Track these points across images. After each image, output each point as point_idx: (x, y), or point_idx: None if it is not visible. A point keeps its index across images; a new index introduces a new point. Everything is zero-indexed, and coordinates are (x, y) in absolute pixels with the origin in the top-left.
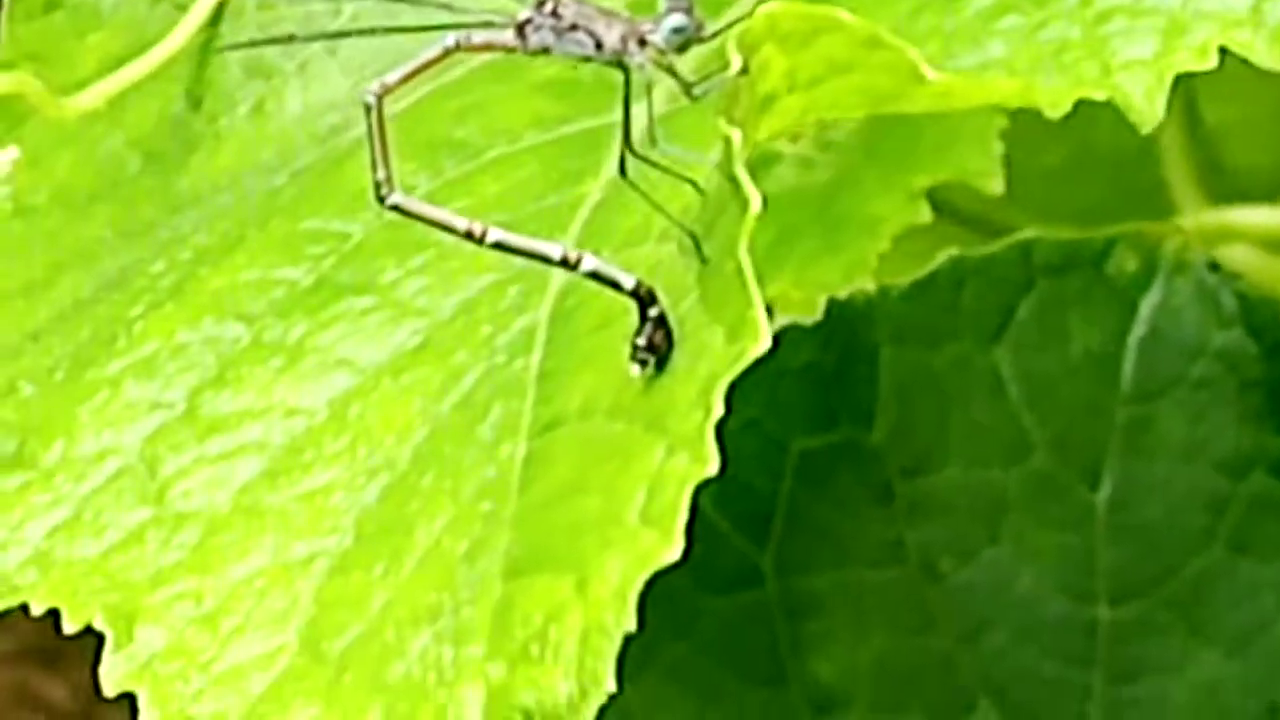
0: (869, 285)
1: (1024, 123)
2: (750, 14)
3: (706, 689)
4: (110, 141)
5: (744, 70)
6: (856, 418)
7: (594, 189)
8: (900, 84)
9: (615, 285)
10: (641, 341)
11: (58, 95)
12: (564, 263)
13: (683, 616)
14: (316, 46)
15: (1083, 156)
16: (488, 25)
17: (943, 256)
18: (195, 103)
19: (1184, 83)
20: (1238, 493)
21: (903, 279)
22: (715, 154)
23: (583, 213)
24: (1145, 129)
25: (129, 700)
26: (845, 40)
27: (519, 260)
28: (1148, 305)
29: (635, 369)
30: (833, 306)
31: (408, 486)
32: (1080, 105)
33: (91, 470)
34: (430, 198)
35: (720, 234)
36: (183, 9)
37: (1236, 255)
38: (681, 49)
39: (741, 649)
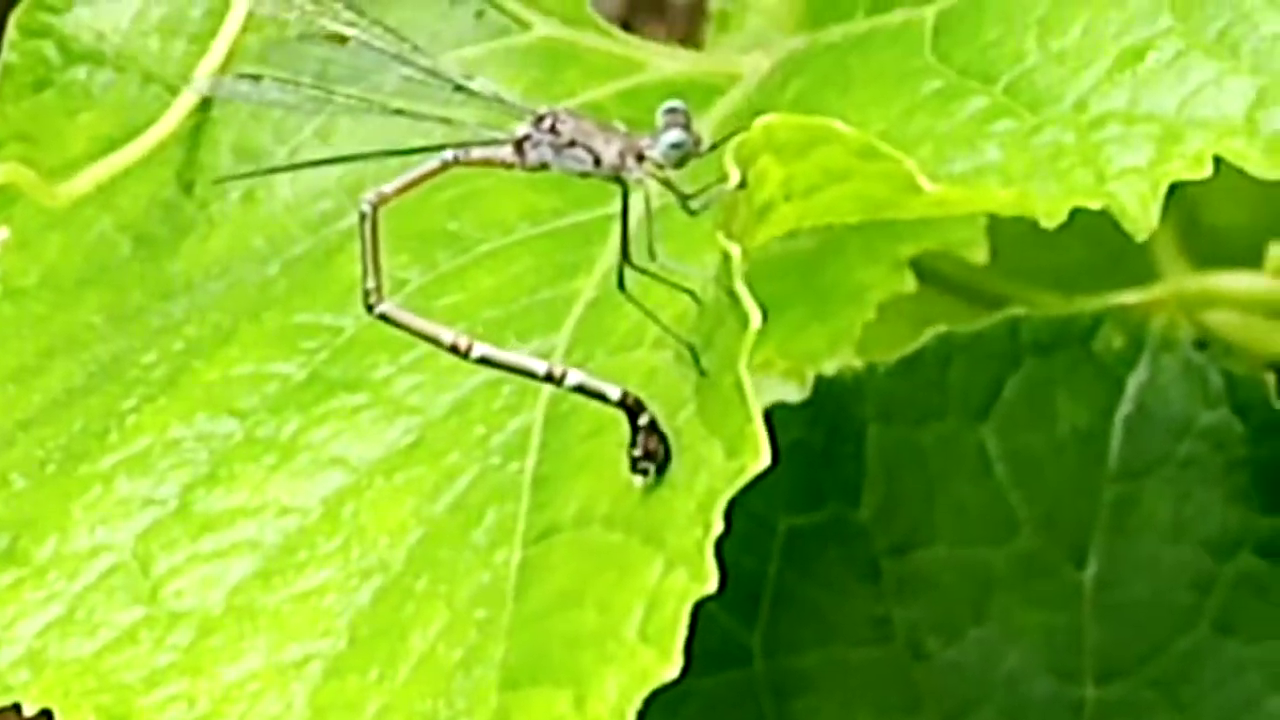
0: (855, 360)
1: None
2: (747, 126)
3: None
4: (100, 225)
5: (741, 184)
6: (844, 495)
7: (587, 285)
8: (896, 193)
9: (602, 398)
10: (638, 452)
11: (48, 176)
12: (549, 378)
13: (671, 698)
14: (308, 132)
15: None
16: (490, 142)
17: (930, 333)
18: (186, 187)
19: None
20: (1224, 572)
21: (889, 354)
22: (711, 266)
23: (577, 310)
24: (1139, 237)
25: None
26: (841, 150)
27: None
28: (1135, 383)
29: (638, 480)
30: (820, 384)
31: (402, 589)
32: None
33: (84, 567)
34: (423, 291)
35: (719, 347)
36: (174, 91)
37: (1219, 319)
38: (679, 164)
39: None
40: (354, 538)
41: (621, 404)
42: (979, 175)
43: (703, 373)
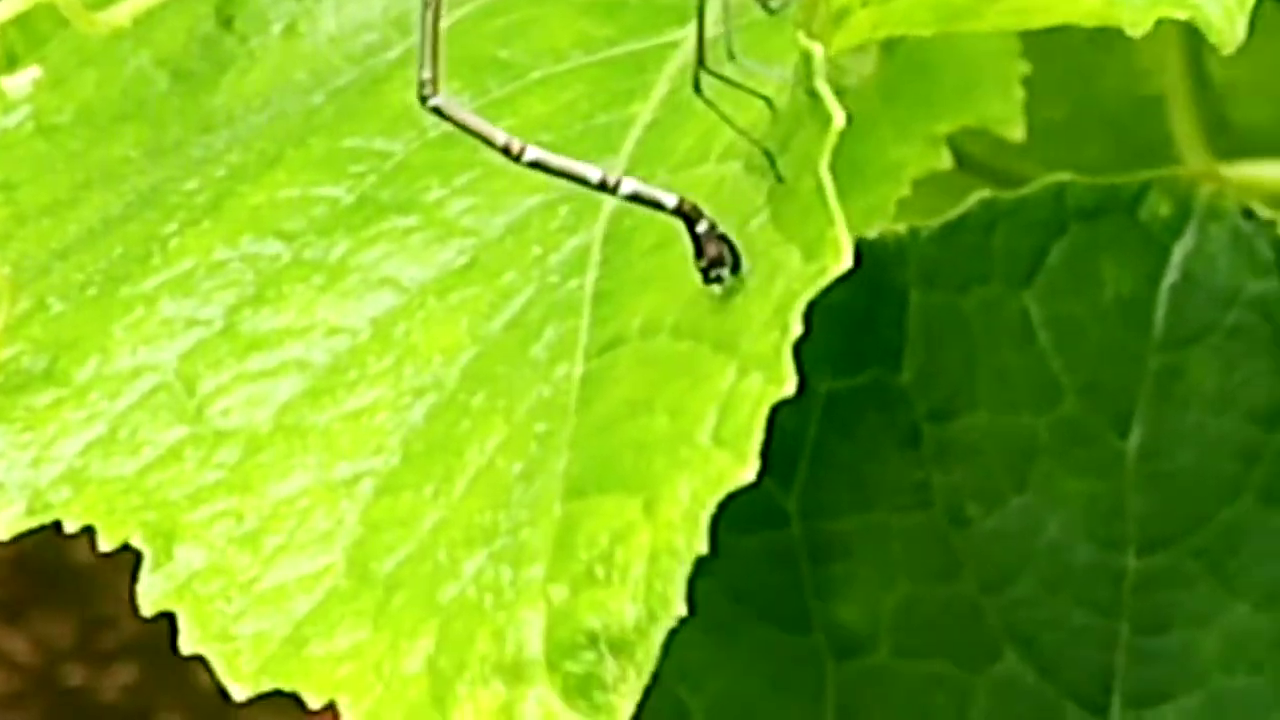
0: (896, 226)
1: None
2: None
3: (727, 629)
4: (137, 60)
5: None
6: (884, 360)
7: (645, 110)
8: (975, 1)
9: (657, 206)
10: (704, 262)
11: (87, 11)
12: (602, 186)
13: (704, 556)
14: None
15: (1086, 111)
16: None
17: (973, 199)
18: (226, 21)
19: (1190, 37)
20: (1270, 443)
21: (930, 221)
22: (786, 70)
23: (634, 132)
24: (1226, 50)
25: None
26: None
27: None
28: (1181, 251)
29: (717, 290)
30: (861, 247)
31: (457, 406)
32: (1084, 57)
33: (127, 387)
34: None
35: (797, 150)
36: None
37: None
38: None
39: (764, 590)
40: (406, 357)
41: (678, 211)
42: None
43: (780, 178)
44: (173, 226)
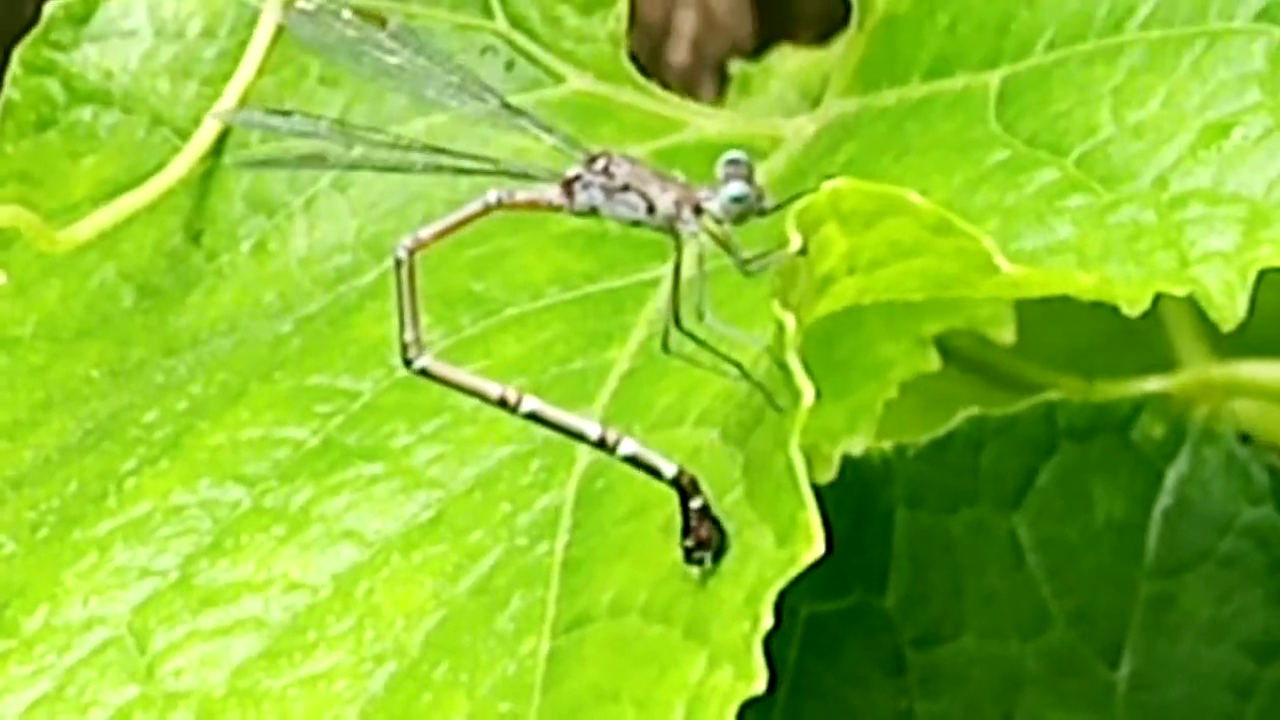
0: (882, 442)
1: None
2: (812, 189)
3: None
4: (102, 273)
5: (803, 250)
6: (869, 582)
7: (622, 356)
8: (968, 271)
9: (654, 473)
10: (690, 541)
11: (49, 220)
12: (601, 444)
13: None
14: (325, 182)
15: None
16: (526, 178)
17: (961, 416)
18: (194, 236)
19: None
20: (1264, 677)
21: (907, 432)
22: (762, 334)
23: (611, 382)
24: (1226, 327)
25: None
26: (912, 223)
27: (541, 431)
28: (1175, 475)
29: (694, 572)
30: (846, 465)
31: (419, 677)
32: None
33: (76, 641)
34: (446, 356)
35: (769, 425)
36: (183, 136)
37: (1243, 409)
38: (739, 220)
39: None
40: (367, 618)
41: (675, 483)
42: (1050, 254)
43: (776, 407)
44: (130, 464)
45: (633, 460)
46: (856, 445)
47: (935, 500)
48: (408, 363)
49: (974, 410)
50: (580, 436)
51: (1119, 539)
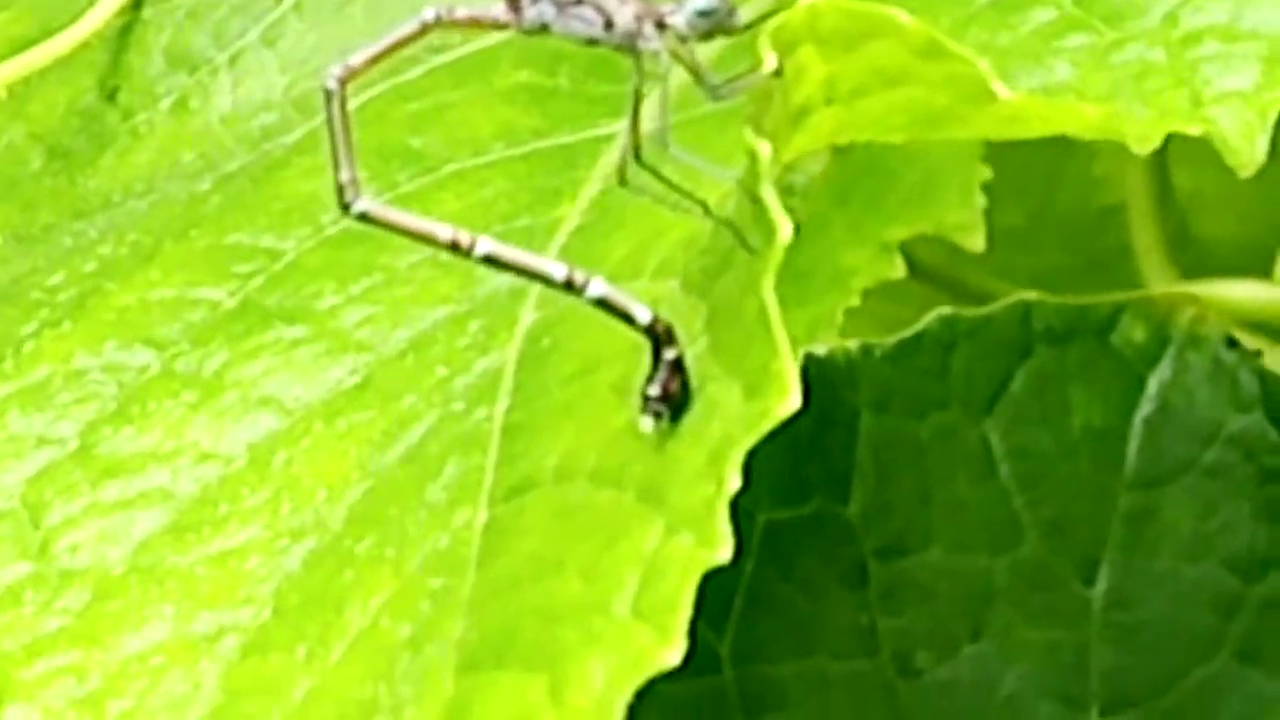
0: (847, 342)
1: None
2: (786, 5)
3: None
4: (9, 134)
5: (778, 72)
6: (831, 489)
7: (572, 213)
8: (961, 103)
9: (627, 318)
10: (655, 390)
11: None
12: (568, 285)
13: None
14: (252, 36)
15: (1044, 219)
16: None
17: (932, 315)
18: (110, 94)
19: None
20: (1250, 595)
21: (885, 338)
22: (734, 170)
23: (560, 238)
24: (1244, 173)
25: None
26: (899, 47)
27: (482, 290)
28: (1157, 381)
29: (647, 422)
30: (810, 365)
31: (340, 552)
32: (1043, 164)
33: None
34: None
35: (739, 267)
36: None
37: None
38: (706, 36)
39: None
40: (285, 490)
41: (649, 330)
42: (1049, 94)
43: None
44: (30, 327)
45: (603, 303)
46: (821, 347)
47: (902, 404)
48: (345, 207)
49: (945, 309)
50: (544, 279)
51: (1097, 448)
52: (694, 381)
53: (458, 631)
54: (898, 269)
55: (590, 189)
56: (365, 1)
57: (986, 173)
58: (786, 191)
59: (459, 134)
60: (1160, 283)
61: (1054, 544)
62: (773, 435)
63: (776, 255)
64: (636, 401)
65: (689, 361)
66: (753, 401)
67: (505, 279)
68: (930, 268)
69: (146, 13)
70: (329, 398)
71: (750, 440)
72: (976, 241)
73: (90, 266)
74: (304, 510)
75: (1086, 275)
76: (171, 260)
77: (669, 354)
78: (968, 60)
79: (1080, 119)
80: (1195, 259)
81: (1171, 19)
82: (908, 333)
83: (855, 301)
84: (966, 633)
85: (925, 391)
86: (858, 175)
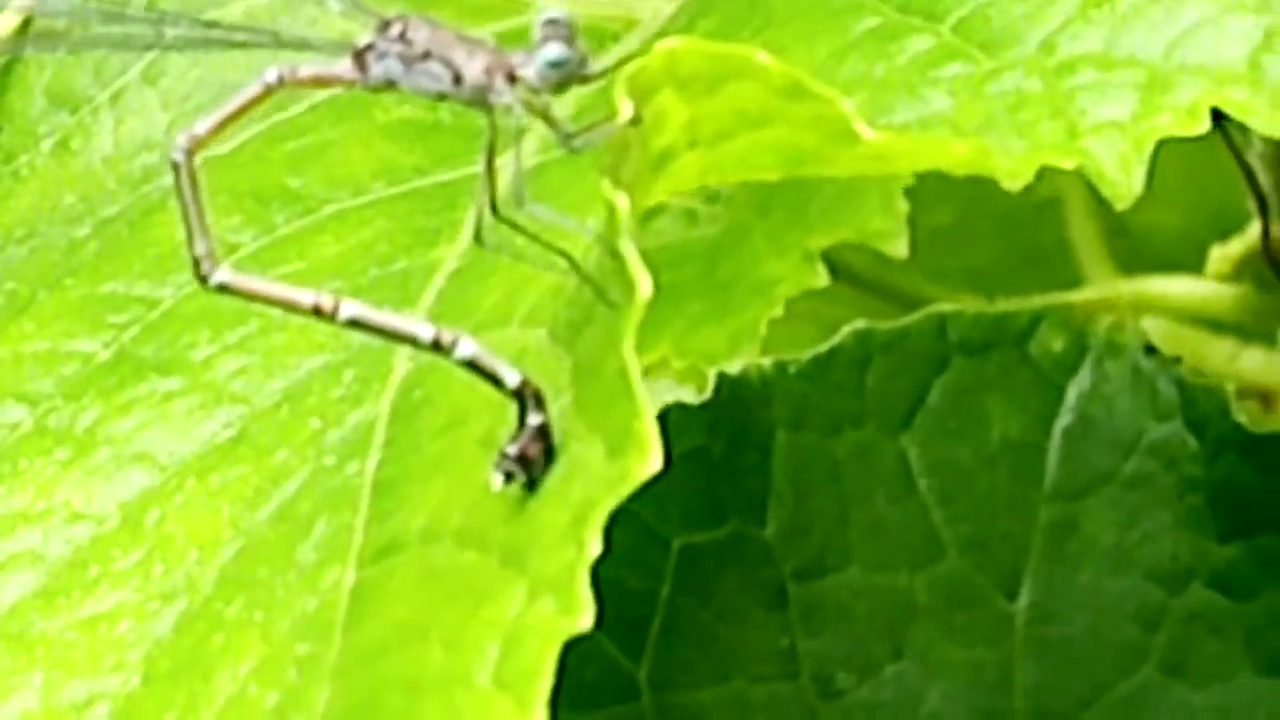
0: (762, 359)
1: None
2: (644, 50)
3: None
4: None
5: (635, 120)
6: (746, 511)
7: (450, 255)
8: (826, 143)
9: (495, 380)
10: (513, 451)
11: None
12: (436, 346)
13: None
14: (133, 74)
15: (978, 214)
16: (308, 48)
17: (846, 330)
18: None
19: None
20: (1173, 607)
21: (800, 352)
22: (594, 222)
23: (437, 282)
24: (1120, 205)
25: None
26: (761, 88)
27: (358, 338)
28: (1076, 391)
29: (497, 480)
30: (722, 384)
31: (210, 616)
32: None
33: None
34: (256, 259)
35: (600, 323)
36: None
37: (1150, 328)
38: (559, 88)
39: None
40: (157, 551)
41: (518, 393)
42: (924, 127)
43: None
44: None
45: (472, 365)
46: (734, 365)
47: (818, 421)
48: (202, 280)
49: (859, 323)
50: (411, 340)
51: (1016, 460)
52: (557, 441)
53: (323, 701)
54: (820, 278)
55: (469, 230)
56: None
57: (908, 179)
58: (708, 200)
59: (338, 173)
60: (1097, 276)
61: (975, 559)
62: (687, 457)
63: (636, 312)
64: (493, 457)
65: (554, 414)
66: (614, 462)
67: None
68: (858, 272)
69: (27, 53)
70: (203, 453)
71: (612, 503)
72: (900, 248)
73: None
74: (175, 571)
75: (1023, 271)
76: (46, 311)
77: (534, 419)
78: (830, 100)
79: (949, 155)
80: (1133, 251)
81: (1048, 46)
82: (822, 348)
83: (779, 312)
84: (888, 652)
85: (841, 408)
86: (779, 184)
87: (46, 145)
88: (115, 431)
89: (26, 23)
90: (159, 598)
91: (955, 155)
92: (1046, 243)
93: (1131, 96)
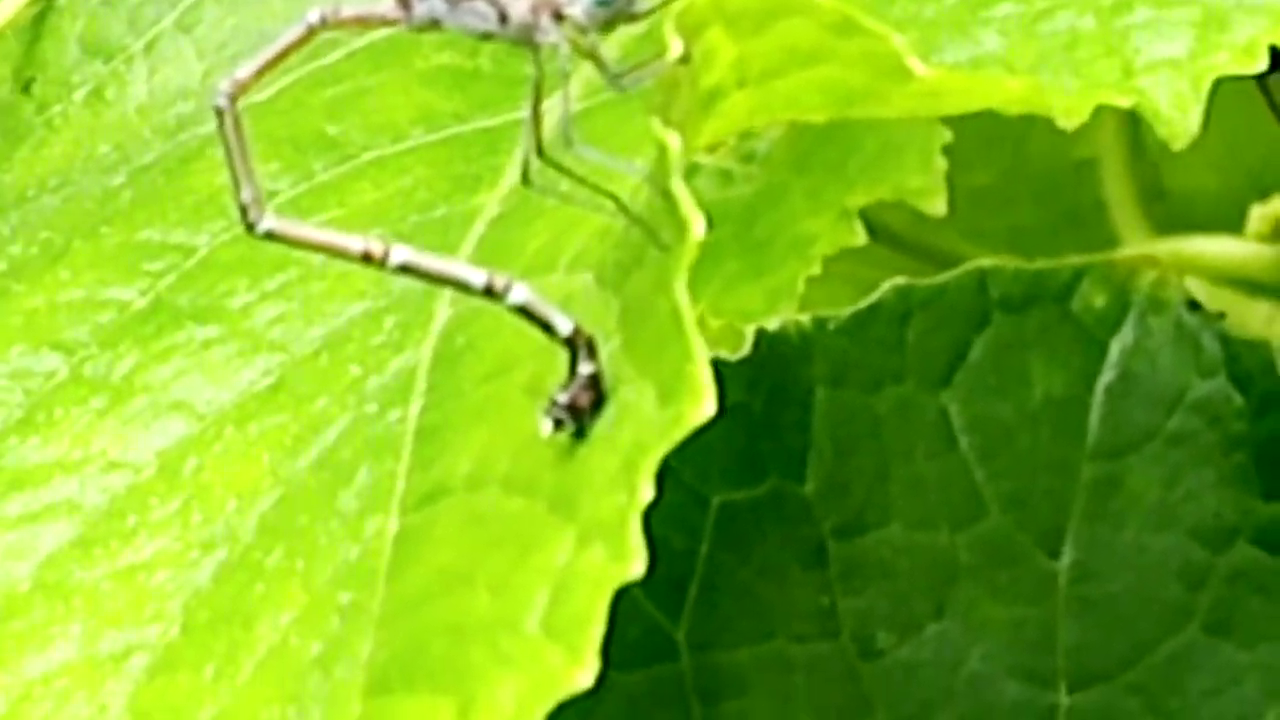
0: (800, 316)
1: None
2: None
3: None
4: None
5: (684, 58)
6: (786, 468)
7: (491, 201)
8: (877, 80)
9: (546, 328)
10: (563, 399)
11: None
12: (488, 291)
13: (583, 696)
14: (168, 22)
15: (1015, 176)
16: None
17: (886, 286)
18: (24, 85)
19: None
20: (1217, 565)
21: (838, 309)
22: (644, 163)
23: (478, 228)
24: (1176, 145)
25: None
26: (811, 24)
27: (399, 284)
28: (1118, 347)
29: (547, 426)
30: (761, 340)
31: (250, 565)
32: (1012, 121)
33: None
34: (294, 205)
35: (651, 264)
36: None
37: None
38: (607, 27)
39: None
40: (195, 500)
41: (569, 340)
42: (976, 67)
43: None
44: None
45: (523, 311)
46: (773, 322)
47: (858, 378)
48: (250, 227)
49: (899, 280)
50: (463, 286)
51: (1058, 418)
52: (607, 386)
53: (367, 650)
54: (858, 236)
55: (511, 175)
56: None
57: (947, 136)
58: (746, 159)
59: (377, 120)
60: (1134, 238)
61: (1017, 517)
62: (725, 414)
63: (689, 252)
64: (542, 404)
65: (604, 360)
66: (667, 407)
67: None
68: (896, 232)
69: (60, 1)
70: (241, 401)
71: (664, 448)
72: (938, 206)
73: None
74: (214, 521)
75: (1059, 232)
76: (81, 259)
77: (586, 368)
78: (883, 36)
79: (1003, 92)
80: (1170, 213)
81: None
82: (862, 304)
83: (816, 270)
84: (929, 611)
85: (881, 364)
86: (816, 142)
87: (80, 95)
88: (152, 380)
89: None
90: (198, 547)
91: (1009, 92)
92: (1084, 204)
93: (1188, 34)
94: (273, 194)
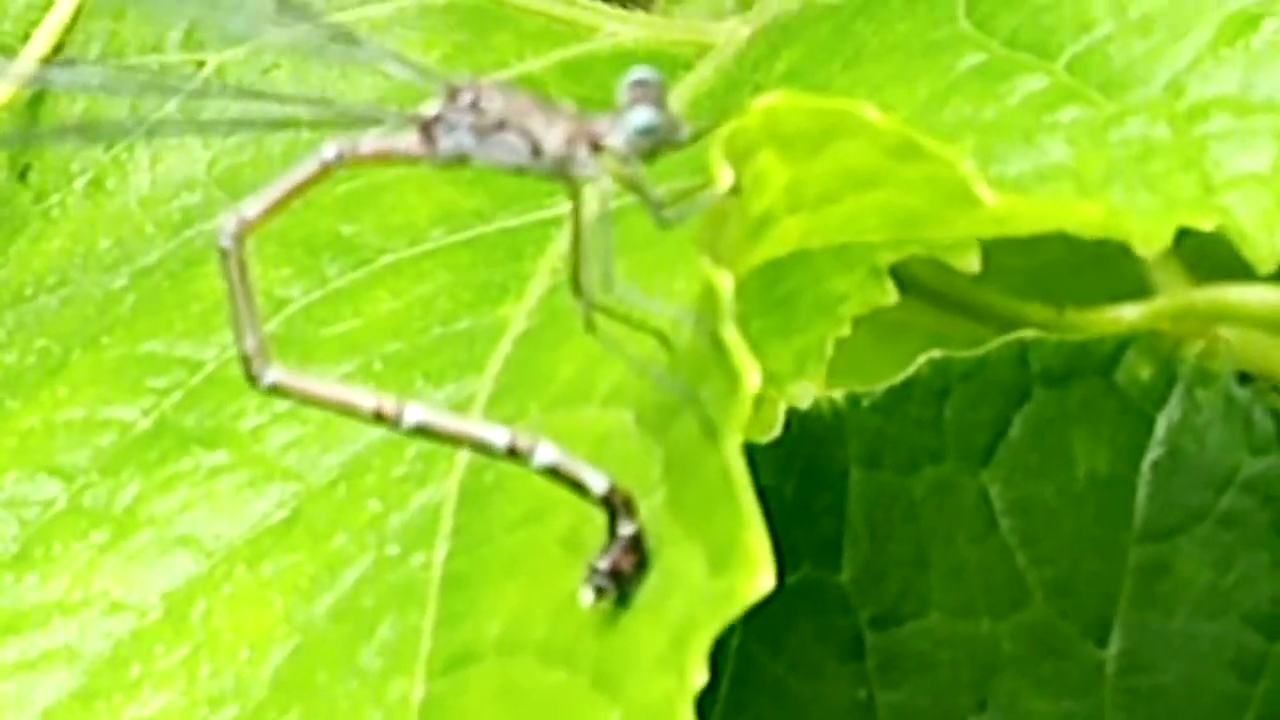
0: (832, 390)
1: None
2: (743, 111)
3: None
4: None
5: (735, 188)
6: (820, 556)
7: (518, 314)
8: (939, 205)
9: (579, 488)
10: (604, 565)
11: None
12: (511, 453)
13: None
14: (171, 107)
15: None
16: (371, 122)
17: (922, 359)
18: (20, 173)
19: None
20: (1273, 653)
21: (862, 373)
22: (690, 308)
23: (504, 346)
24: (1263, 268)
25: None
26: (869, 147)
27: None
28: (1165, 423)
29: (588, 596)
30: (792, 420)
31: None
32: None
33: None
34: (307, 315)
35: (697, 413)
36: (7, 53)
37: (1229, 338)
38: (650, 156)
39: None
40: (204, 649)
41: (606, 501)
42: (1041, 180)
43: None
44: None
45: (553, 473)
46: (804, 396)
47: (894, 458)
48: (252, 380)
49: (936, 353)
50: (484, 448)
51: (1103, 498)
52: (651, 547)
53: None
54: (889, 294)
55: (537, 284)
56: (291, 66)
57: None
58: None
59: (394, 219)
60: (1163, 277)
61: (1061, 605)
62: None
63: (742, 408)
64: (581, 567)
65: (645, 514)
66: (719, 578)
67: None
68: (922, 283)
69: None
70: (252, 536)
71: (717, 625)
72: (972, 262)
73: None
74: (224, 673)
75: (1087, 272)
76: (80, 373)
77: (626, 529)
78: (947, 161)
79: (1078, 217)
80: (1200, 249)
81: (1176, 88)
82: (897, 380)
83: (845, 331)
84: (971, 705)
85: (918, 443)
86: None
87: (79, 184)
88: (157, 511)
89: (58, 48)
90: (207, 703)
91: (1086, 218)
92: (1111, 242)
93: (1271, 145)
94: (283, 302)
